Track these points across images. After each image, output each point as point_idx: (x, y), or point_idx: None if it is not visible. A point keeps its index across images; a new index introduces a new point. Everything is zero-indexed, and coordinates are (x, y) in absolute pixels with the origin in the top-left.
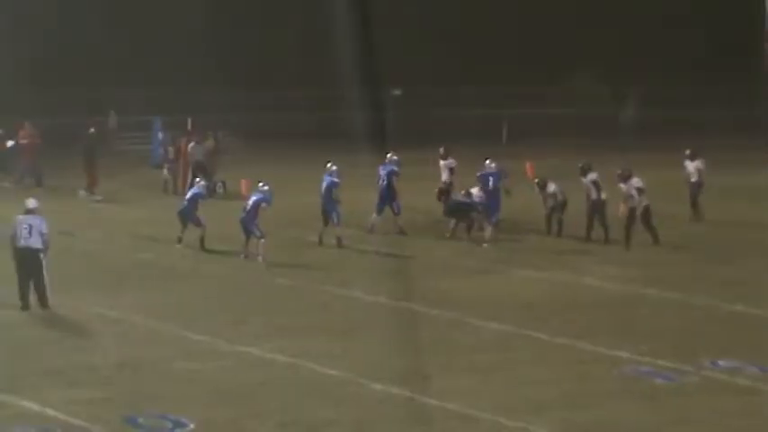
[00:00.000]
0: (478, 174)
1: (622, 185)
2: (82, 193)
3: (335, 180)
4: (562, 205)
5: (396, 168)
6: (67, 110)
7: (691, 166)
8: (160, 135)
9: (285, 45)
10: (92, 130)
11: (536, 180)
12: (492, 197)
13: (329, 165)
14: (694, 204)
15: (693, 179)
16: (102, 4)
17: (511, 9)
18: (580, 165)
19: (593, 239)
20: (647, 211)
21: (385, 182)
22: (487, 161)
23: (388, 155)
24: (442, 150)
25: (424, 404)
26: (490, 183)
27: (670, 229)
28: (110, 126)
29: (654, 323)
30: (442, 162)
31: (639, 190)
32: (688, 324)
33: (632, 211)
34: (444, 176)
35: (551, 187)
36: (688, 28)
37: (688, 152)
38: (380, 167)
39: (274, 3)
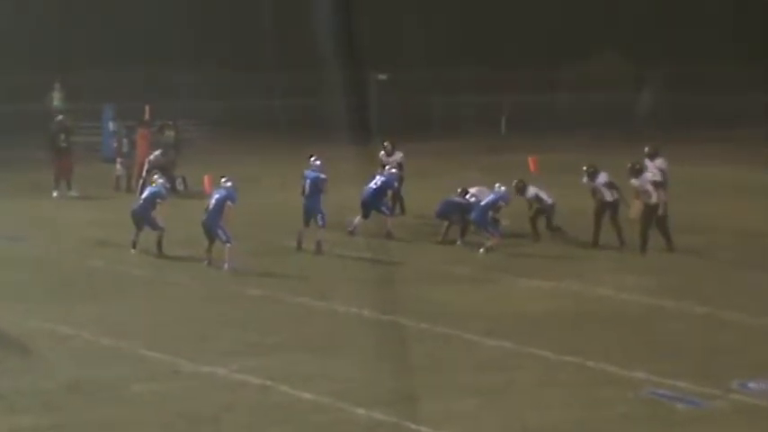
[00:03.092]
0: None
1: (635, 181)
2: (55, 193)
3: (322, 176)
4: (551, 208)
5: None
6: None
7: (651, 165)
8: (111, 125)
9: (259, 22)
10: (60, 117)
11: (513, 183)
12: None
13: (312, 159)
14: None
15: (656, 179)
16: None
17: None
18: (585, 168)
19: (601, 245)
20: (664, 209)
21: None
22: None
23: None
24: (387, 144)
25: (414, 431)
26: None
27: (691, 232)
28: (54, 105)
29: (675, 340)
30: (386, 158)
31: (656, 185)
32: (713, 341)
33: (649, 209)
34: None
35: (531, 191)
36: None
37: (647, 150)
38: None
39: None
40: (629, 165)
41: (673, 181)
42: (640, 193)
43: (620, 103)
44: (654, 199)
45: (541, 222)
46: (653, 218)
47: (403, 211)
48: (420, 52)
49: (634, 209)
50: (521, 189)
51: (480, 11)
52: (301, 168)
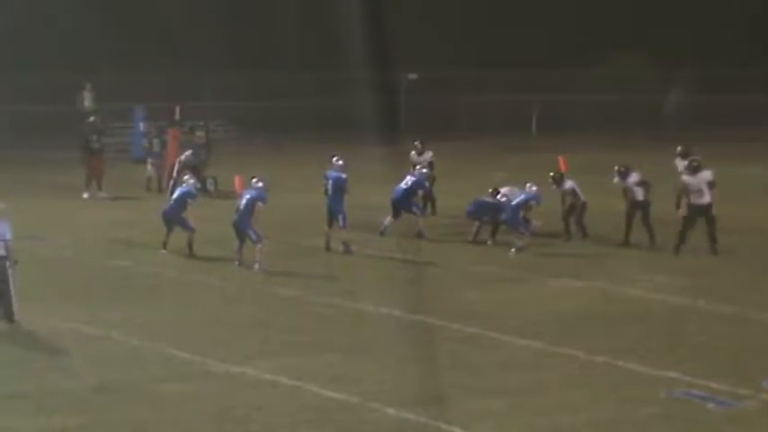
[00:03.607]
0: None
1: (687, 178)
2: (85, 194)
3: (343, 176)
4: (582, 205)
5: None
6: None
7: (682, 165)
8: (142, 125)
9: (286, 23)
10: (92, 118)
11: (551, 174)
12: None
13: (335, 159)
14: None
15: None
16: None
17: None
18: (616, 168)
19: (632, 244)
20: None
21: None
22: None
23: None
24: (418, 144)
25: (445, 431)
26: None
27: (722, 232)
28: (85, 106)
29: (706, 339)
30: (417, 158)
31: (711, 184)
32: (745, 341)
33: (697, 208)
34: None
35: (568, 184)
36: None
37: (679, 149)
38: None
39: None
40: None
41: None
42: (692, 191)
43: (645, 105)
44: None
45: (574, 220)
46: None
47: (434, 211)
48: (449, 52)
49: (682, 208)
50: (558, 180)
51: (509, 12)
52: (327, 169)
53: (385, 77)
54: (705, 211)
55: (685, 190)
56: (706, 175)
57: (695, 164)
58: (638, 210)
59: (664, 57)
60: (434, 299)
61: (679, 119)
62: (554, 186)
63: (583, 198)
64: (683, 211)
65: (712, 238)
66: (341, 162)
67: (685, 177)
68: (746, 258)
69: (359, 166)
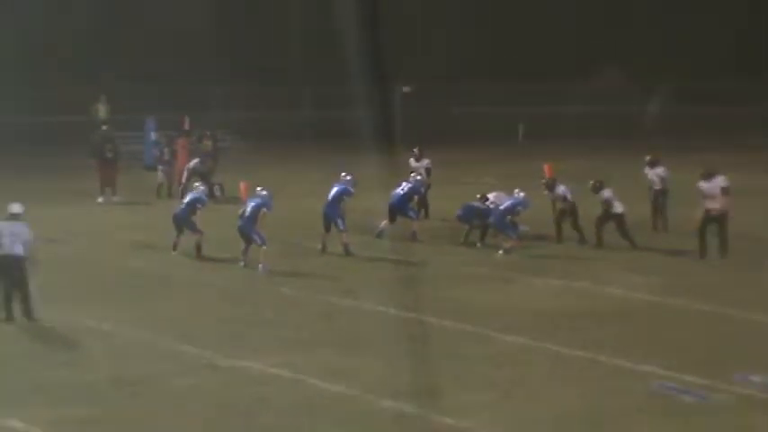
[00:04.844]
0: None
1: (703, 184)
2: (100, 199)
3: (351, 189)
4: (573, 209)
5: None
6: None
7: (651, 173)
8: (153, 135)
9: (287, 39)
10: (104, 127)
11: (543, 180)
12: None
13: (344, 175)
14: (657, 212)
15: (657, 187)
16: None
17: (532, 2)
18: (591, 182)
19: (612, 247)
20: (726, 214)
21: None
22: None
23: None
24: (416, 151)
25: (438, 422)
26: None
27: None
28: (99, 117)
29: (682, 336)
30: (415, 164)
31: (725, 190)
32: (720, 337)
33: (710, 213)
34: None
35: (560, 189)
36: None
37: (648, 158)
38: (336, 184)
39: None
40: (591, 182)
41: (676, 187)
42: (710, 197)
43: (625, 116)
44: (618, 209)
45: (566, 224)
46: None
47: (427, 215)
48: (441, 66)
49: (696, 219)
50: (550, 186)
51: (498, 29)
52: (327, 175)
53: (380, 91)
54: (718, 215)
55: (702, 195)
56: (720, 180)
57: (597, 184)
58: (613, 220)
59: (643, 71)
60: (428, 297)
61: (657, 129)
62: (546, 192)
63: (573, 202)
64: (698, 217)
65: (723, 242)
66: (349, 177)
67: (701, 183)
68: (727, 259)
69: (356, 173)
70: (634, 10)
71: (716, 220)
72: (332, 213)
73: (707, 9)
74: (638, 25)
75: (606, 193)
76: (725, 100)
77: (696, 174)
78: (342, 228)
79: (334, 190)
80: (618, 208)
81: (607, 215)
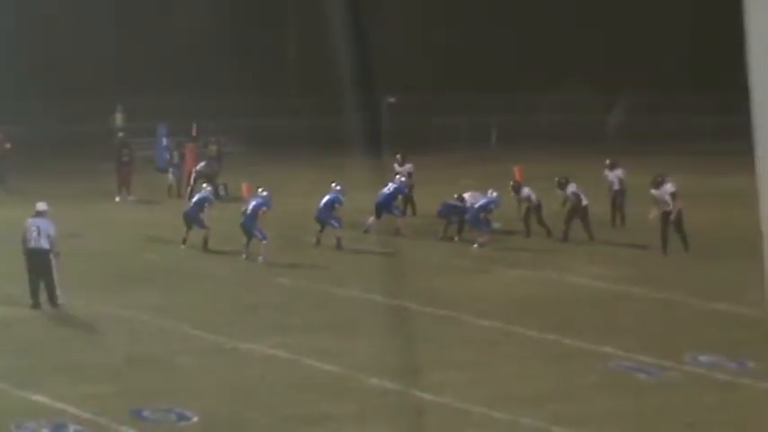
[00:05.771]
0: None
1: (654, 191)
2: (117, 198)
3: (341, 198)
4: (537, 207)
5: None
6: (69, 117)
7: (611, 175)
8: (164, 141)
9: (285, 54)
10: (120, 134)
11: (510, 184)
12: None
13: (333, 185)
14: (615, 210)
15: (615, 188)
16: (107, 8)
17: (505, 21)
18: (557, 179)
19: (576, 241)
20: (679, 215)
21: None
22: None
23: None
24: (399, 157)
25: (419, 398)
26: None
27: (655, 231)
28: (116, 125)
29: (639, 320)
30: (399, 167)
31: (673, 195)
32: (672, 322)
33: (666, 215)
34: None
35: (525, 191)
36: (675, 37)
37: (608, 162)
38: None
39: (275, 8)
40: (556, 179)
41: (631, 187)
42: (658, 201)
43: (587, 124)
44: (584, 202)
45: (533, 221)
46: (669, 222)
47: (414, 212)
48: (424, 79)
49: (653, 214)
50: (516, 189)
51: (476, 46)
52: (321, 177)
53: (368, 101)
54: (668, 217)
55: (654, 201)
56: (668, 187)
57: (563, 181)
58: (579, 213)
59: (605, 83)
60: (411, 286)
61: (618, 136)
62: (513, 194)
63: (537, 201)
64: (654, 217)
65: (683, 238)
66: (339, 187)
67: (652, 190)
68: (678, 252)
69: (346, 176)
70: (598, 28)
71: (672, 222)
72: (324, 217)
73: (662, 27)
74: (598, 43)
75: (571, 187)
76: (679, 110)
77: (651, 176)
78: (337, 225)
79: (326, 198)
80: (584, 201)
81: (576, 209)
